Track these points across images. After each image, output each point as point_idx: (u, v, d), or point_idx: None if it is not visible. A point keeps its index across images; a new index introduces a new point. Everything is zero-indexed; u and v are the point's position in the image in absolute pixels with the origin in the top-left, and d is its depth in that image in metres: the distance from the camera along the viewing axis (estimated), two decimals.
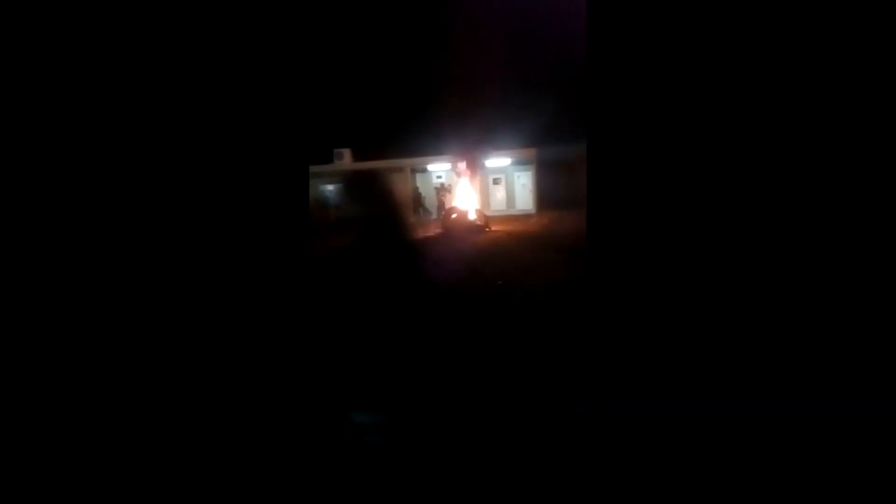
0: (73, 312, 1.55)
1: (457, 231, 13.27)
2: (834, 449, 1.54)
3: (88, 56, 1.54)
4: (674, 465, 1.66)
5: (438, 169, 19.23)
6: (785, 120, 1.52)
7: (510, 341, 3.68)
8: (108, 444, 1.57)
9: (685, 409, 1.67)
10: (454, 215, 14.29)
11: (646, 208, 1.65)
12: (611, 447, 1.70)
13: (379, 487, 1.98)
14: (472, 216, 14.07)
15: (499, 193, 19.23)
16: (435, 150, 18.65)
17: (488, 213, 15.62)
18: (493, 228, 13.53)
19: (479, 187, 17.97)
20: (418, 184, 19.66)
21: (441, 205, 16.67)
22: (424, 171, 19.61)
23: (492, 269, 7.12)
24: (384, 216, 2.46)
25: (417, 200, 19.55)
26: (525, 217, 16.34)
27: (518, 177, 19.08)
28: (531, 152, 18.03)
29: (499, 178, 19.19)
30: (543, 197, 17.57)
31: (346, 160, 19.48)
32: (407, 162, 19.03)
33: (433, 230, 14.23)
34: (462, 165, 17.17)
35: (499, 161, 18.58)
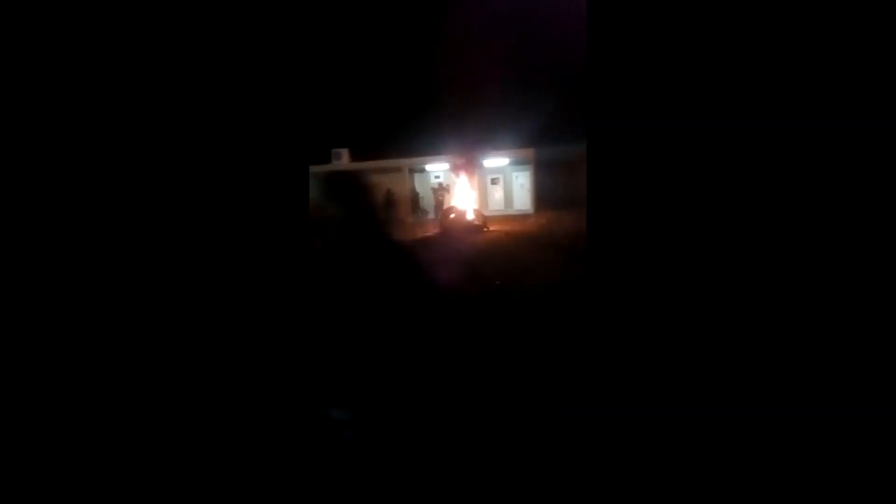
0: (72, 312, 1.54)
1: (455, 231, 13.25)
2: (834, 449, 1.54)
3: (89, 56, 1.53)
4: (674, 464, 1.66)
5: (436, 169, 19.19)
6: (785, 120, 1.53)
7: (509, 341, 3.68)
8: (107, 444, 1.56)
9: (685, 409, 1.67)
10: (452, 215, 14.27)
11: (646, 208, 1.65)
12: (610, 447, 1.70)
13: (378, 487, 1.97)
14: (470, 216, 14.05)
15: (497, 193, 19.20)
16: (433, 150, 18.61)
17: (486, 213, 15.60)
18: (491, 228, 13.51)
19: (477, 187, 17.94)
20: (416, 184, 19.61)
21: (438, 205, 16.61)
22: (423, 171, 19.57)
23: (490, 269, 7.11)
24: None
25: (415, 200, 19.50)
26: (523, 217, 16.31)
27: (516, 177, 19.05)
28: (529, 152, 18.00)
29: (497, 178, 19.15)
30: (542, 197, 17.55)
31: (343, 160, 19.43)
32: (405, 162, 18.99)
33: (431, 230, 14.21)
34: (460, 165, 17.13)
35: (497, 161, 18.54)
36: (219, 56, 1.62)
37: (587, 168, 1.73)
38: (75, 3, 1.48)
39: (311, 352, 1.94)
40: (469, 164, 17.17)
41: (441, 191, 16.36)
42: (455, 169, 17.89)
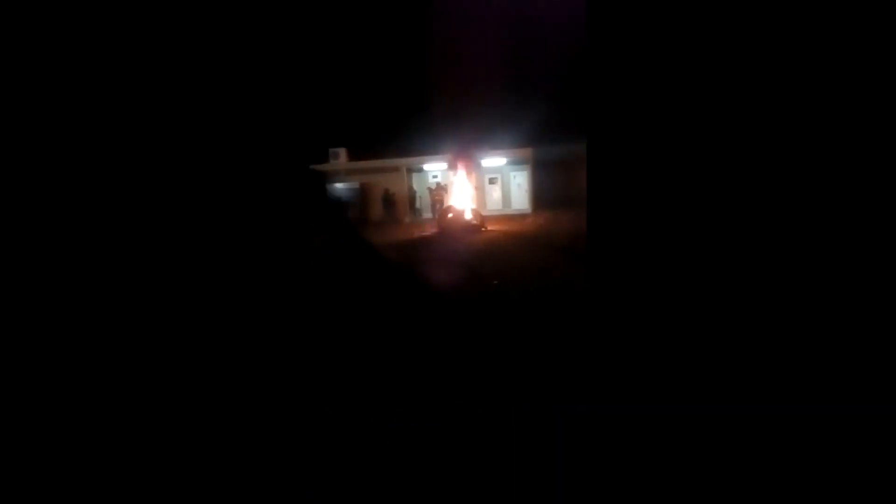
0: (72, 312, 1.53)
1: (453, 231, 13.26)
2: (834, 449, 1.54)
3: (89, 57, 1.52)
4: (673, 464, 1.66)
5: (434, 168, 19.20)
6: (784, 119, 1.53)
7: (507, 341, 3.68)
8: (108, 444, 1.56)
9: (685, 409, 1.67)
10: (450, 215, 14.27)
11: (645, 208, 1.65)
12: (610, 447, 1.70)
13: (379, 487, 1.97)
14: (468, 216, 14.06)
15: (495, 193, 19.23)
16: (431, 150, 18.62)
17: (484, 213, 15.62)
18: (489, 228, 13.52)
19: (475, 187, 17.96)
20: (414, 183, 19.62)
21: (435, 204, 16.62)
22: (420, 170, 19.57)
23: (489, 269, 7.11)
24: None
25: (412, 200, 19.51)
26: (521, 217, 16.35)
27: (514, 176, 19.09)
28: (527, 152, 18.04)
29: (495, 178, 19.18)
30: (539, 197, 17.59)
31: (342, 160, 19.43)
32: (403, 161, 19.00)
33: (429, 230, 14.22)
34: (458, 165, 17.15)
35: (495, 161, 18.57)
36: (219, 57, 1.62)
37: (587, 168, 1.73)
38: (75, 3, 1.47)
39: (311, 352, 1.94)
40: (467, 163, 17.18)
41: (439, 190, 16.37)
42: (453, 168, 17.90)
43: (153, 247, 1.58)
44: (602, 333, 1.73)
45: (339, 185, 19.19)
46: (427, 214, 17.70)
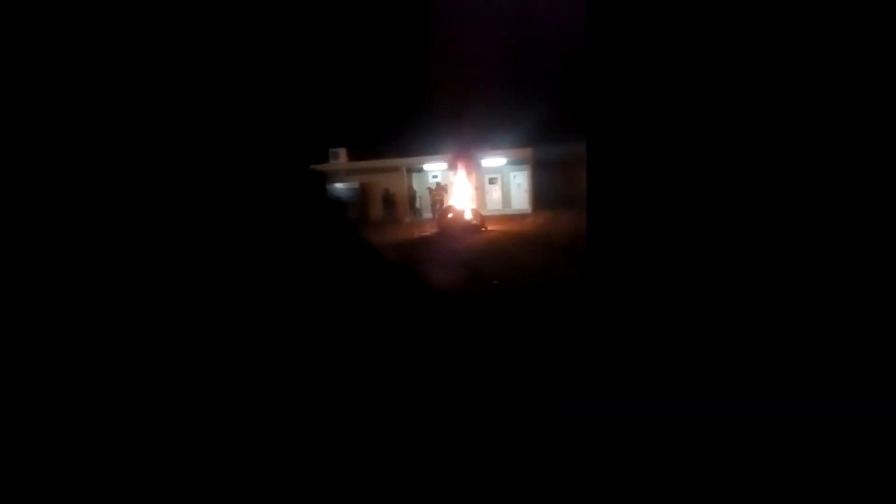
0: (72, 312, 1.53)
1: (453, 231, 13.26)
2: (834, 449, 1.54)
3: (89, 57, 1.52)
4: (673, 464, 1.66)
5: (434, 168, 19.21)
6: (785, 119, 1.53)
7: (507, 341, 3.68)
8: (107, 444, 1.56)
9: (685, 409, 1.67)
10: (450, 215, 14.27)
11: (645, 208, 1.65)
12: (610, 447, 1.70)
13: (379, 487, 1.97)
14: (468, 216, 14.05)
15: (495, 193, 19.24)
16: (431, 150, 18.63)
17: (484, 213, 15.63)
18: (489, 228, 13.52)
19: (475, 187, 17.96)
20: (414, 183, 19.63)
21: (434, 204, 16.61)
22: (420, 170, 19.58)
23: (488, 269, 7.11)
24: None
25: (413, 200, 19.52)
26: (521, 217, 16.35)
27: (514, 176, 19.10)
28: (527, 152, 18.05)
29: (495, 178, 19.20)
30: (539, 197, 17.60)
31: (342, 160, 19.44)
32: (402, 161, 19.01)
33: (429, 230, 14.22)
34: (458, 165, 17.15)
35: (495, 161, 18.58)
36: (219, 57, 1.62)
37: (587, 168, 1.73)
38: (75, 3, 1.47)
39: (310, 351, 1.94)
40: (467, 163, 17.19)
41: (439, 190, 16.37)
42: (453, 168, 17.91)
43: (153, 247, 1.58)
44: (602, 333, 1.73)
45: (339, 185, 19.20)
46: (427, 214, 17.71)
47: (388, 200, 18.61)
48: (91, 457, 1.55)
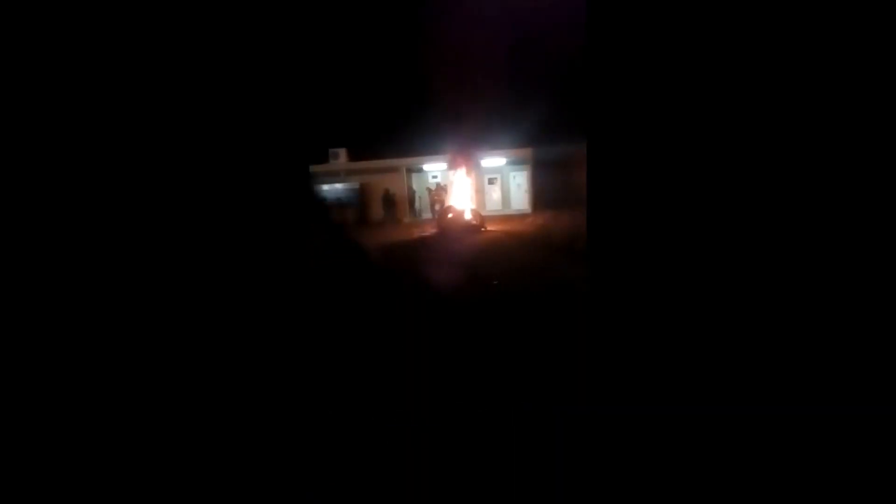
0: (72, 312, 1.53)
1: (453, 231, 13.26)
2: (834, 449, 1.55)
3: (89, 57, 1.52)
4: (674, 464, 1.66)
5: (434, 168, 19.23)
6: (785, 119, 1.53)
7: (507, 341, 3.68)
8: (107, 444, 1.56)
9: (685, 409, 1.67)
10: (450, 215, 14.27)
11: (646, 208, 1.65)
12: (610, 447, 1.70)
13: (379, 487, 1.97)
14: (467, 216, 14.05)
15: (494, 193, 19.26)
16: (431, 150, 18.64)
17: (484, 213, 15.63)
18: (488, 228, 13.53)
19: (474, 187, 17.96)
20: (414, 183, 19.65)
21: (433, 204, 16.61)
22: (420, 170, 19.59)
23: (488, 269, 7.12)
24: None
25: (412, 200, 19.53)
26: (521, 217, 16.35)
27: (514, 177, 19.12)
28: (527, 152, 18.06)
29: (494, 178, 19.21)
30: (539, 197, 17.60)
31: (342, 160, 19.45)
32: (402, 161, 19.02)
33: (429, 230, 14.23)
34: (458, 165, 17.16)
35: (494, 161, 18.59)
36: (219, 57, 1.61)
37: (587, 168, 1.73)
38: (75, 3, 1.47)
39: (310, 352, 1.94)
40: (467, 163, 17.19)
41: (439, 190, 16.37)
42: (452, 168, 17.91)
43: (152, 246, 1.58)
44: (602, 333, 1.73)
45: (339, 185, 19.21)
46: (427, 214, 17.71)
47: (388, 200, 18.61)
48: (89, 457, 1.54)
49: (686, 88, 1.58)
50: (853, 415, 1.54)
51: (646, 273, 1.67)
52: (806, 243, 1.55)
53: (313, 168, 18.25)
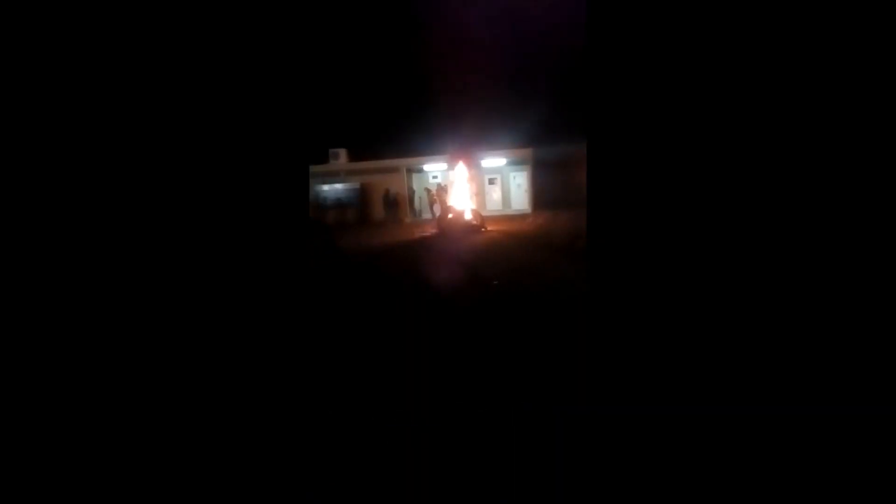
0: (71, 312, 1.53)
1: (453, 231, 13.27)
2: (834, 449, 1.54)
3: (89, 57, 1.52)
4: (674, 464, 1.66)
5: (434, 169, 19.24)
6: (785, 119, 1.53)
7: (507, 341, 3.68)
8: (107, 444, 1.56)
9: (685, 409, 1.67)
10: (450, 215, 14.27)
11: (646, 208, 1.65)
12: (610, 447, 1.70)
13: (379, 487, 1.97)
14: (467, 216, 14.06)
15: (495, 193, 19.27)
16: (431, 150, 18.66)
17: (484, 213, 15.63)
18: (488, 228, 13.53)
19: (475, 187, 17.97)
20: (414, 184, 19.66)
21: (433, 204, 16.65)
22: (420, 170, 19.60)
23: (488, 269, 7.12)
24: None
25: (412, 200, 19.55)
26: (521, 217, 16.36)
27: (514, 177, 19.13)
28: (527, 152, 18.07)
29: (494, 178, 19.23)
30: (539, 197, 17.62)
31: (342, 160, 19.46)
32: (403, 162, 19.03)
33: (429, 230, 14.23)
34: (458, 165, 17.17)
35: (494, 161, 18.60)
36: (218, 56, 1.61)
37: (587, 168, 1.73)
38: (75, 3, 1.47)
39: (310, 352, 1.93)
40: (467, 163, 17.20)
41: (439, 191, 16.40)
42: (452, 169, 17.92)
43: (152, 246, 1.58)
44: (602, 333, 1.73)
45: (339, 186, 19.22)
46: (427, 215, 17.73)
47: (389, 201, 18.62)
48: (88, 457, 1.54)
49: (686, 88, 1.58)
50: (853, 415, 1.54)
51: (646, 273, 1.67)
52: (806, 243, 1.55)
53: (313, 168, 18.27)
